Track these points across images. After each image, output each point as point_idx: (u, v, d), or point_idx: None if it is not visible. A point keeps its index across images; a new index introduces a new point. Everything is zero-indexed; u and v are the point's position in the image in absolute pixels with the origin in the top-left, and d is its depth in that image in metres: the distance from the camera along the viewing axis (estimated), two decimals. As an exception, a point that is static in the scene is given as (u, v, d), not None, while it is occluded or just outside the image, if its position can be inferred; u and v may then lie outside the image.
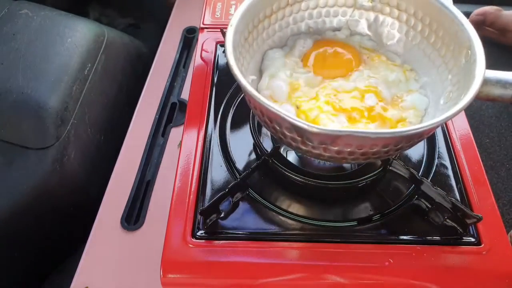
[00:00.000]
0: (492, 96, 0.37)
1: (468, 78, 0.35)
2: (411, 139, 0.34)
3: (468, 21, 0.38)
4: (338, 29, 0.46)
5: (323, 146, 0.33)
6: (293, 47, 0.45)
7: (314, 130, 0.30)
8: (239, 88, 0.49)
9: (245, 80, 0.33)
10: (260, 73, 0.43)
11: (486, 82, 0.34)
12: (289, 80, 0.41)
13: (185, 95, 0.60)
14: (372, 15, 0.45)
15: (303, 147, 0.34)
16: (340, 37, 0.46)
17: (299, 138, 0.33)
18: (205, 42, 0.55)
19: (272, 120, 0.34)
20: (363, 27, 0.46)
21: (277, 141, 0.44)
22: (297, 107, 0.39)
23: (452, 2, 0.40)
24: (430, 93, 0.41)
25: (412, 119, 0.39)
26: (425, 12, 0.41)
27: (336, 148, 0.33)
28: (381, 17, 0.45)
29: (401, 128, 0.33)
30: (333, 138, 0.31)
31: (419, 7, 0.42)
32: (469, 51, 0.36)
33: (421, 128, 0.31)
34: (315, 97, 0.40)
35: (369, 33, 0.46)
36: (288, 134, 0.34)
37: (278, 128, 0.34)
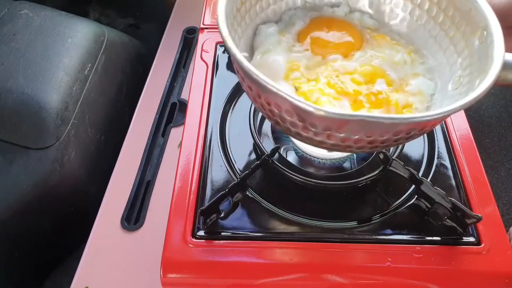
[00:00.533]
0: (510, 81, 0.33)
1: (484, 62, 0.32)
2: (425, 126, 0.31)
3: None
4: (336, 5, 0.43)
5: (328, 132, 0.29)
6: (288, 24, 0.41)
7: (321, 113, 0.27)
8: (239, 88, 0.49)
9: (240, 54, 0.30)
10: (252, 50, 0.40)
11: (504, 66, 0.31)
12: (288, 59, 0.38)
13: (185, 95, 0.60)
14: None
15: (304, 133, 0.31)
16: (339, 14, 0.42)
17: (300, 123, 0.30)
18: (205, 43, 0.55)
19: (270, 102, 0.30)
20: (363, 4, 0.42)
21: (277, 141, 0.45)
22: (296, 89, 0.36)
23: None
24: (437, 77, 0.38)
25: (418, 105, 0.36)
26: None
27: (342, 135, 0.29)
28: None
29: (416, 114, 0.30)
30: (341, 123, 0.28)
31: None
32: (485, 32, 0.33)
33: (439, 114, 0.28)
34: (315, 79, 0.37)
35: (370, 11, 0.42)
36: (288, 118, 0.30)
37: (276, 111, 0.31)
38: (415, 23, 0.40)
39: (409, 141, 0.34)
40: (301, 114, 0.29)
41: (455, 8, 0.37)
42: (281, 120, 0.31)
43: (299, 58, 0.38)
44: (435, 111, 0.28)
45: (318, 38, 0.39)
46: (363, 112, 0.33)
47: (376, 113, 0.34)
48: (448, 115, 0.29)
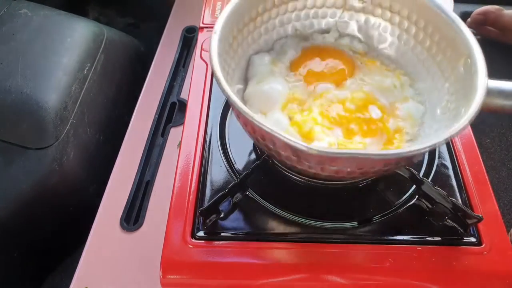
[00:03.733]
0: (494, 107, 0.35)
1: (468, 89, 0.33)
2: (413, 158, 0.34)
3: (466, 27, 0.36)
4: (326, 32, 0.44)
5: (321, 166, 0.31)
6: (280, 53, 0.42)
7: (314, 152, 0.28)
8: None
9: (234, 95, 0.32)
10: (245, 81, 0.41)
11: (488, 92, 0.32)
12: (288, 89, 0.39)
13: (184, 94, 0.60)
14: (362, 17, 0.43)
15: (299, 166, 0.33)
16: (329, 41, 0.44)
17: (294, 158, 0.32)
18: (205, 42, 0.55)
19: (265, 139, 0.32)
20: (353, 29, 0.44)
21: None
22: (290, 118, 0.38)
23: (452, 6, 0.39)
24: (426, 100, 0.39)
25: (409, 129, 0.38)
26: (420, 15, 0.39)
27: (334, 168, 0.32)
28: (372, 19, 0.43)
29: (404, 149, 0.32)
30: (333, 159, 0.30)
31: (413, 10, 0.39)
32: (469, 60, 0.34)
33: (425, 147, 0.30)
34: (308, 109, 0.38)
35: (359, 35, 0.44)
36: (283, 153, 0.32)
37: (271, 147, 0.32)
38: (403, 47, 0.42)
39: (398, 169, 0.36)
40: (295, 151, 0.31)
41: (440, 34, 0.38)
42: (276, 154, 0.33)
43: (296, 89, 0.40)
44: (420, 145, 0.30)
45: (310, 69, 0.41)
46: (353, 149, 0.35)
47: (368, 141, 0.36)
48: (433, 148, 0.31)
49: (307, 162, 0.32)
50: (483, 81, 0.32)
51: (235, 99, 0.31)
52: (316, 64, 0.41)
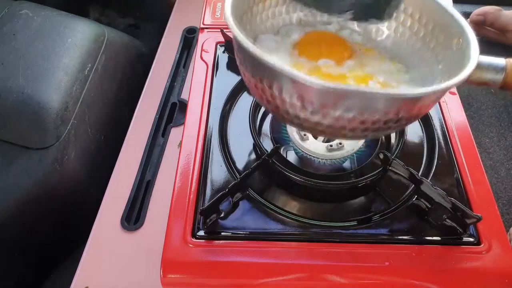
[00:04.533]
0: (484, 80, 0.37)
1: (461, 62, 0.34)
2: (417, 102, 0.33)
3: (458, 12, 0.38)
4: (328, 23, 0.45)
5: (324, 110, 0.31)
6: (285, 36, 0.44)
7: (319, 86, 0.28)
8: (239, 88, 0.49)
9: (242, 35, 0.31)
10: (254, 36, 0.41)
11: (478, 66, 0.34)
12: (291, 65, 0.39)
13: (185, 95, 0.60)
14: None
15: (302, 114, 0.33)
16: (331, 30, 0.45)
17: (298, 103, 0.32)
18: (205, 42, 0.55)
19: (272, 84, 0.32)
20: (352, 23, 0.45)
21: (277, 141, 0.44)
22: None
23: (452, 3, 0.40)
24: (419, 85, 0.40)
25: None
26: (415, 7, 0.41)
27: (336, 113, 0.31)
28: None
29: (408, 90, 0.32)
30: (336, 98, 0.30)
31: (409, 3, 0.41)
32: (461, 39, 0.36)
33: (428, 91, 0.30)
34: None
35: (358, 29, 0.45)
36: (287, 99, 0.32)
37: (276, 93, 0.32)
38: (399, 39, 0.43)
39: (397, 128, 0.35)
40: (301, 90, 0.30)
41: (434, 22, 0.40)
42: (280, 103, 0.33)
43: (298, 63, 0.40)
44: (423, 89, 0.30)
45: (313, 46, 0.41)
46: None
47: None
48: (442, 91, 0.32)
49: (310, 106, 0.31)
50: (475, 51, 0.34)
51: (245, 39, 0.31)
52: (319, 43, 0.42)
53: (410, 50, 0.42)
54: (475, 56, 0.33)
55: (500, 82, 0.37)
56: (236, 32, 0.32)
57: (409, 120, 0.35)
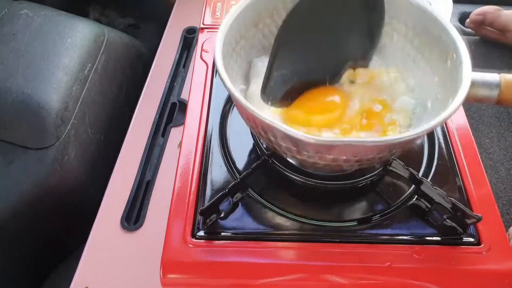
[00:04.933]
0: (479, 97, 0.37)
1: (455, 81, 0.35)
2: (405, 144, 0.35)
3: (451, 24, 0.38)
4: None
5: (319, 154, 0.33)
6: None
7: (311, 141, 0.30)
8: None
9: (239, 94, 0.34)
10: (247, 82, 0.43)
11: (472, 83, 0.35)
12: None
13: (185, 95, 0.60)
14: None
15: (299, 156, 0.35)
16: None
17: (294, 148, 0.33)
18: (205, 42, 0.55)
19: (266, 131, 0.34)
20: None
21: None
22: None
23: (451, 7, 0.40)
24: (417, 94, 0.41)
25: (401, 122, 0.39)
26: (408, 16, 0.41)
27: (331, 157, 0.33)
28: None
29: (395, 136, 0.33)
30: (328, 148, 0.32)
31: (401, 11, 0.42)
32: (454, 54, 0.36)
33: (414, 135, 0.31)
34: None
35: None
36: (283, 144, 0.34)
37: (273, 139, 0.34)
38: (395, 46, 0.44)
39: (393, 157, 0.38)
40: (294, 141, 0.33)
41: (427, 33, 0.40)
42: (277, 146, 0.35)
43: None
44: (408, 133, 0.32)
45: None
46: (345, 136, 0.38)
47: (363, 135, 0.38)
48: (422, 135, 0.33)
49: (305, 152, 0.33)
50: (467, 72, 0.34)
51: (238, 95, 0.33)
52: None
53: (406, 57, 0.43)
54: (466, 82, 0.34)
55: (495, 99, 0.37)
56: (227, 83, 0.34)
57: (404, 151, 0.37)
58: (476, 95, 0.37)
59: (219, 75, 0.35)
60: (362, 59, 0.43)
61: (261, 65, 0.43)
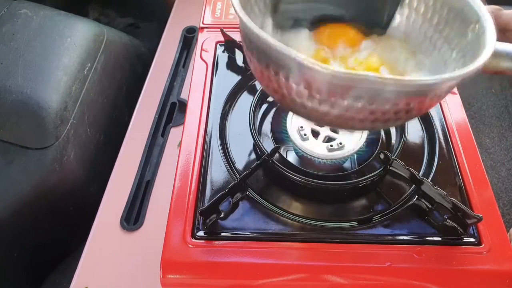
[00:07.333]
0: (501, 69, 0.35)
1: (476, 50, 0.33)
2: (425, 95, 0.31)
3: None
4: None
5: (333, 98, 0.30)
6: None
7: (329, 72, 0.27)
8: (239, 88, 0.49)
9: (250, 20, 0.30)
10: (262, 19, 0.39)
11: (495, 54, 0.32)
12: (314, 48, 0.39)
13: (184, 95, 0.60)
14: None
15: (309, 103, 0.31)
16: None
17: (306, 91, 0.30)
18: (205, 42, 0.55)
19: (278, 71, 0.31)
20: None
21: (277, 141, 0.44)
22: None
23: None
24: (431, 72, 0.39)
25: None
26: None
27: (345, 103, 0.30)
28: None
29: (423, 78, 0.31)
30: (347, 86, 0.29)
31: None
32: (477, 25, 0.35)
33: (449, 77, 0.29)
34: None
35: None
36: (295, 86, 0.31)
37: (283, 79, 0.31)
38: (411, 27, 0.41)
39: (408, 119, 0.34)
40: (308, 77, 0.29)
41: (449, 8, 0.38)
42: (287, 90, 0.32)
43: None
44: (439, 76, 0.28)
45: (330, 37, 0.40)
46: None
47: None
48: (452, 81, 0.30)
49: (318, 94, 0.30)
50: (492, 37, 0.32)
51: (252, 24, 0.30)
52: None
53: (423, 37, 0.40)
54: (491, 42, 0.32)
55: None
56: (241, 14, 0.30)
57: (420, 111, 0.34)
58: (498, 66, 0.35)
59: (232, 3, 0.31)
60: (378, 22, 0.40)
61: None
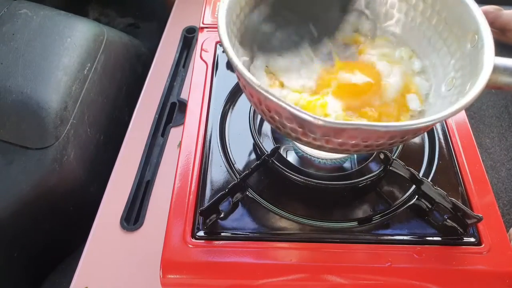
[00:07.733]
0: (499, 84, 0.34)
1: (475, 65, 0.33)
2: (419, 131, 0.33)
3: (475, 3, 0.35)
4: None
5: (326, 138, 0.31)
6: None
7: (320, 122, 0.28)
8: (239, 88, 0.49)
9: (241, 64, 0.31)
10: (252, 53, 0.40)
11: (494, 69, 0.32)
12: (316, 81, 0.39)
13: (184, 95, 0.60)
14: None
15: (304, 138, 0.32)
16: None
17: (300, 129, 0.31)
18: (205, 42, 0.55)
19: (270, 109, 0.32)
20: (360, 4, 0.43)
21: (277, 141, 0.44)
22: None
23: None
24: (431, 77, 0.39)
25: (413, 106, 0.38)
26: None
27: (339, 140, 0.31)
28: None
29: (411, 121, 0.31)
30: (339, 131, 0.30)
31: None
32: (476, 36, 0.34)
33: (431, 120, 0.29)
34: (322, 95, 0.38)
35: (366, 11, 0.43)
36: (288, 124, 0.32)
37: (276, 117, 0.32)
38: (410, 24, 0.41)
39: (403, 143, 0.35)
40: (300, 122, 0.30)
41: (448, 10, 0.38)
42: (281, 126, 0.33)
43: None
44: (425, 119, 0.29)
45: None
46: (356, 120, 0.35)
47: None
48: (438, 122, 0.31)
49: (312, 134, 0.31)
50: (490, 57, 0.32)
51: (243, 68, 0.31)
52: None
53: (422, 37, 0.40)
54: (488, 66, 0.31)
55: None
56: (236, 62, 0.31)
57: (415, 137, 0.35)
58: (496, 82, 0.34)
59: (222, 44, 0.32)
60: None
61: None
